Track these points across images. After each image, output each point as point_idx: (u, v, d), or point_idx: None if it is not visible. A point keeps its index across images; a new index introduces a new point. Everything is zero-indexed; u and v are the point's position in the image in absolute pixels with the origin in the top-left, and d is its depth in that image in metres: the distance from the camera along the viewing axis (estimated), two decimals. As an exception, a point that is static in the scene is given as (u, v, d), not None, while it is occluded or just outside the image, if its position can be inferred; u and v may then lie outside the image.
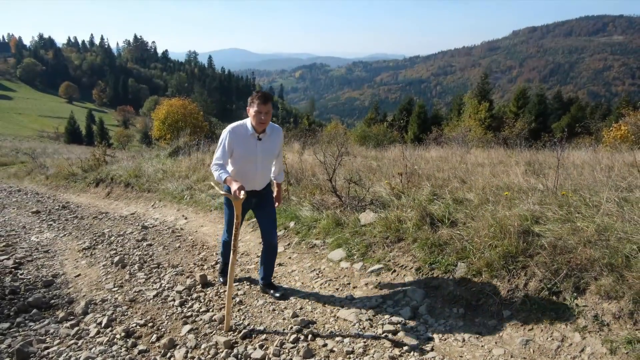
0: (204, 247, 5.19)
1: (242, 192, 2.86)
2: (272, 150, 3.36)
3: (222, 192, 3.11)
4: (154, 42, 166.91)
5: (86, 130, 60.65)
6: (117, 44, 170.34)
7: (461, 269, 3.23)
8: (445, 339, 2.75)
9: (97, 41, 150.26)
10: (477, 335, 2.74)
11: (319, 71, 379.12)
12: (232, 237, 3.02)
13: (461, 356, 2.56)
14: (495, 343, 2.64)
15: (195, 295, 3.80)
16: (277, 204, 3.72)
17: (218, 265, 4.31)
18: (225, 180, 3.04)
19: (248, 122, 3.24)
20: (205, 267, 4.51)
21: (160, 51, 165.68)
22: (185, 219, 6.58)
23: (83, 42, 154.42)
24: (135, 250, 5.30)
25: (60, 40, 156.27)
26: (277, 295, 3.60)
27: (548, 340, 2.54)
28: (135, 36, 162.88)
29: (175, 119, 22.73)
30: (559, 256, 2.88)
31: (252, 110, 3.15)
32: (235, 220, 3.00)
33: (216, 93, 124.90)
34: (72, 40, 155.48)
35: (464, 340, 2.71)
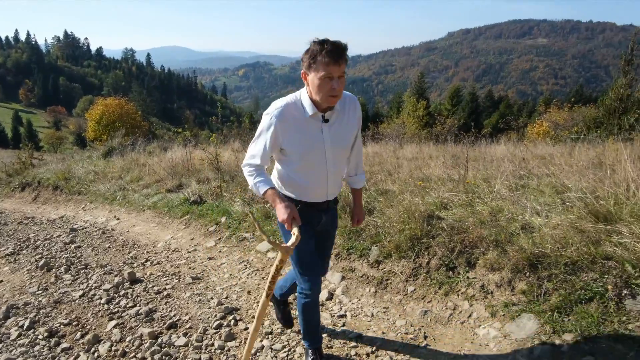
0: (135, 246, 5.18)
1: (296, 230, 1.91)
2: (346, 136, 2.17)
3: (270, 241, 1.93)
4: (86, 38, 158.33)
5: (12, 133, 56.67)
6: (46, 40, 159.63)
7: (374, 252, 3.52)
8: (356, 315, 3.02)
9: (22, 37, 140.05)
10: (384, 310, 3.03)
11: (262, 69, 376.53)
12: (270, 279, 2.05)
13: (368, 329, 2.84)
14: (399, 316, 2.94)
15: (123, 292, 3.84)
16: (356, 222, 2.54)
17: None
18: (265, 196, 2.02)
19: (302, 96, 2.06)
20: (135, 265, 4.53)
21: (94, 48, 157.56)
22: (117, 219, 6.49)
23: (7, 38, 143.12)
24: (62, 253, 5.19)
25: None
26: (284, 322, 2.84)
27: (443, 310, 2.88)
28: (66, 32, 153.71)
29: (111, 119, 21.89)
30: (455, 236, 3.24)
31: (315, 76, 1.93)
32: (277, 265, 2.02)
33: (156, 92, 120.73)
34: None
35: (372, 315, 3.00)
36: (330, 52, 1.86)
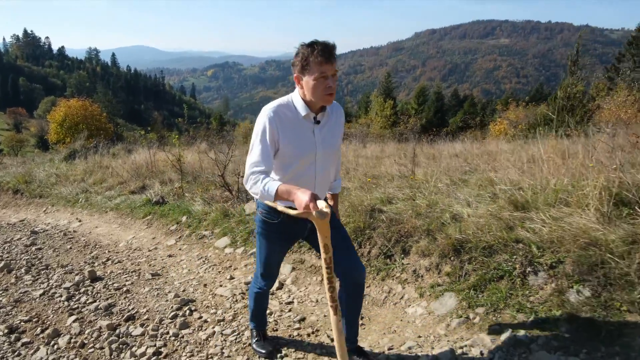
0: (97, 246, 5.29)
1: (323, 204, 1.72)
2: (334, 140, 2.22)
3: (298, 213, 1.76)
4: (47, 37, 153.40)
5: (-32, 136, 54.19)
6: (4, 39, 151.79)
7: (322, 245, 3.79)
8: (303, 302, 3.29)
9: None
10: (328, 296, 3.30)
11: (231, 70, 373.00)
12: (326, 280, 1.84)
13: (312, 313, 3.11)
14: (341, 300, 3.22)
15: (83, 290, 3.98)
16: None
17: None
18: (279, 193, 1.82)
19: (294, 98, 2.10)
20: (96, 264, 4.65)
21: (55, 48, 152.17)
22: (79, 221, 6.55)
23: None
24: (22, 255, 5.24)
25: None
26: None
27: (379, 293, 3.19)
28: (25, 31, 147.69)
29: (75, 121, 21.43)
30: (393, 227, 3.55)
31: (310, 78, 1.97)
32: (322, 243, 1.80)
33: (122, 93, 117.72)
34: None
35: (317, 301, 3.27)
36: (322, 52, 1.92)
